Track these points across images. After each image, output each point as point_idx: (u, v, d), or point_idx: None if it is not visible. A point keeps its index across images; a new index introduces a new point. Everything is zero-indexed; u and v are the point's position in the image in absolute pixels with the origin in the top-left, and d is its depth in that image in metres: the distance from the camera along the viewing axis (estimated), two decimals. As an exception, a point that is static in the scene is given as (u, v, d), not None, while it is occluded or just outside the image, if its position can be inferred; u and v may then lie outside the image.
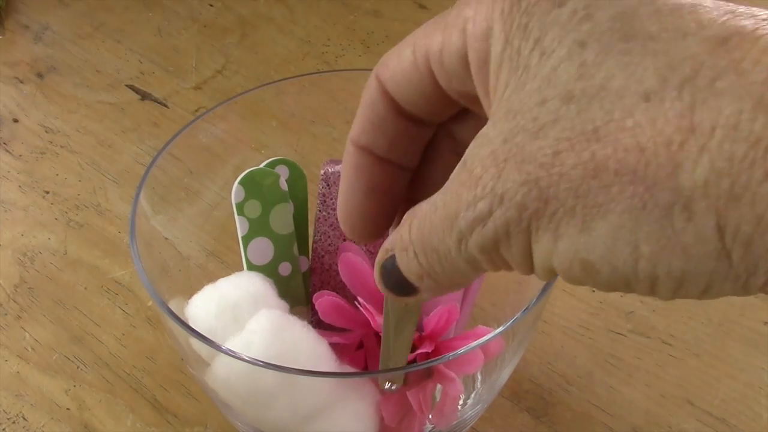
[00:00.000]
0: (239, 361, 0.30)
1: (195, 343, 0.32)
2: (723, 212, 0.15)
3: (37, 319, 0.49)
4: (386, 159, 0.23)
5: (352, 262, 0.36)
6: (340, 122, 0.47)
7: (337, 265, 0.39)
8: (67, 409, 0.44)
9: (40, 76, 0.68)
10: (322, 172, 0.39)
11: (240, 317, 0.33)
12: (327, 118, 0.47)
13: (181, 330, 0.31)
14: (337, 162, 0.39)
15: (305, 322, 0.35)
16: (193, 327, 0.32)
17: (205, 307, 0.34)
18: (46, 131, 0.62)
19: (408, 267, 0.21)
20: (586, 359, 0.46)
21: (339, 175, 0.37)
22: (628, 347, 0.46)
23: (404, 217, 0.22)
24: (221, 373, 0.32)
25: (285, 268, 0.39)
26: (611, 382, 0.45)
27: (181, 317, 0.32)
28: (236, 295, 0.34)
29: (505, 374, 0.38)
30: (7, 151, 0.61)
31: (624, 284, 0.18)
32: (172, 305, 0.33)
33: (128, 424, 0.44)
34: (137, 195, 0.36)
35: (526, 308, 0.32)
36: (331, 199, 0.38)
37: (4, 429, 0.43)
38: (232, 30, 0.72)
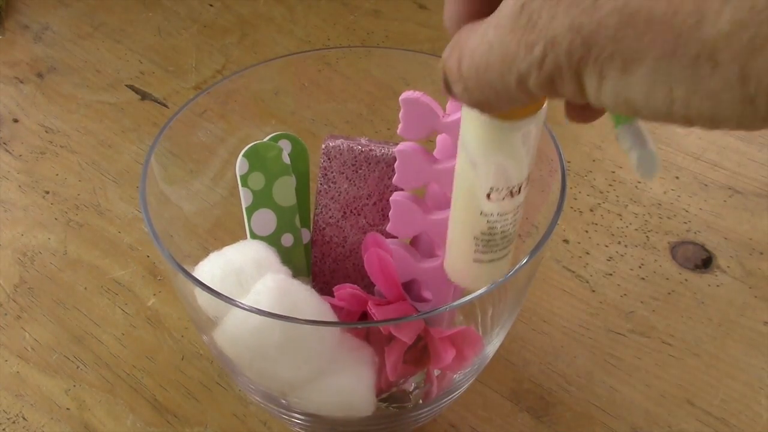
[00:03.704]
0: (247, 318, 0.31)
1: (203, 302, 0.33)
2: (746, 62, 0.16)
3: (37, 319, 0.49)
4: None
5: (378, 256, 0.36)
6: (340, 122, 0.47)
7: (337, 237, 0.40)
8: (67, 409, 0.44)
9: (40, 76, 0.68)
10: (323, 146, 0.39)
11: (244, 281, 0.34)
12: (327, 118, 0.47)
13: (191, 287, 0.32)
14: (337, 137, 0.40)
15: (308, 286, 0.36)
16: (199, 291, 0.33)
17: (210, 272, 0.35)
18: (46, 131, 0.62)
19: (462, 96, 0.23)
20: (586, 359, 0.46)
21: (339, 150, 0.39)
22: (628, 347, 0.46)
23: (452, 42, 0.23)
24: (230, 330, 0.32)
25: (287, 239, 0.41)
26: (611, 382, 0.45)
27: (186, 266, 0.33)
28: (241, 260, 0.35)
29: (497, 341, 0.38)
30: (7, 151, 0.61)
31: (664, 119, 0.19)
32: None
33: (128, 424, 0.44)
34: (147, 160, 0.37)
35: (514, 269, 0.33)
36: (332, 172, 0.39)
37: (4, 429, 0.43)
38: (232, 30, 0.72)
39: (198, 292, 0.33)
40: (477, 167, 0.30)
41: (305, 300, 0.35)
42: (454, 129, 0.34)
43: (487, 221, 0.32)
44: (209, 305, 0.33)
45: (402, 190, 0.38)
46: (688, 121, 0.18)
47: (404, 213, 0.38)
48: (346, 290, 0.37)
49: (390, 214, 0.38)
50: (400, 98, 0.34)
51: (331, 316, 0.35)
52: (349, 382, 0.34)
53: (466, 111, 0.29)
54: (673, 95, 0.18)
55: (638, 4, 0.17)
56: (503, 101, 0.22)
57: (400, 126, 0.35)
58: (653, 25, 0.17)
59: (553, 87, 0.20)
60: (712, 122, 0.18)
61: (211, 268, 0.35)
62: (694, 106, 0.18)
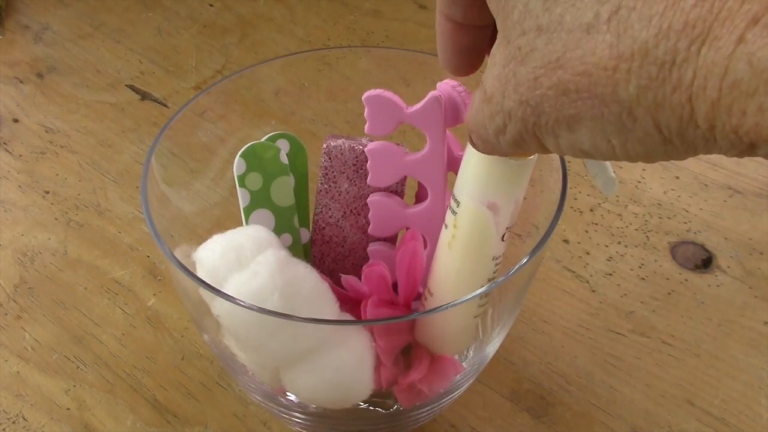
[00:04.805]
0: (245, 284, 0.32)
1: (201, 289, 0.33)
2: (655, 115, 0.20)
3: (37, 319, 0.49)
4: (464, 24, 0.28)
5: (414, 252, 0.37)
6: (340, 121, 0.47)
7: (337, 237, 0.40)
8: (67, 409, 0.44)
9: (40, 76, 0.68)
10: (324, 146, 0.39)
11: (243, 258, 0.34)
12: (327, 118, 0.47)
13: (192, 286, 0.33)
14: (338, 137, 0.40)
15: (308, 264, 0.36)
16: (200, 266, 0.34)
17: (210, 248, 0.35)
18: (46, 131, 0.62)
19: (477, 145, 0.28)
20: (586, 359, 0.46)
21: (340, 149, 0.39)
22: (628, 347, 0.46)
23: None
24: (227, 304, 0.32)
25: (286, 240, 0.40)
26: (611, 382, 0.45)
27: (187, 265, 0.33)
28: (241, 239, 0.35)
29: (497, 341, 0.39)
30: (7, 151, 0.61)
31: (613, 159, 0.23)
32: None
33: (128, 424, 0.44)
34: (148, 160, 0.37)
35: (514, 269, 0.33)
36: (333, 172, 0.39)
37: (4, 429, 0.43)
38: (232, 30, 0.72)
39: (199, 269, 0.34)
40: (498, 210, 0.32)
41: (305, 275, 0.35)
42: (418, 119, 0.35)
43: (495, 264, 0.34)
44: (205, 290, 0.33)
45: (379, 190, 0.39)
46: (630, 159, 0.23)
47: (384, 212, 0.38)
48: (375, 271, 0.36)
49: (369, 215, 0.38)
50: (363, 97, 0.35)
51: (329, 295, 0.35)
52: (348, 357, 0.34)
53: (482, 160, 0.31)
54: (612, 143, 0.22)
55: (567, 80, 0.22)
56: (503, 151, 0.27)
57: (366, 125, 0.36)
58: (581, 94, 0.21)
59: (520, 146, 0.25)
60: (647, 158, 0.22)
61: (212, 246, 0.35)
62: (630, 149, 0.22)
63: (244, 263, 0.34)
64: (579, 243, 0.52)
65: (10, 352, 0.47)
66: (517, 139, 0.25)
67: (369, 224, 0.39)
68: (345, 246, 0.40)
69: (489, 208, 0.32)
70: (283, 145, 0.40)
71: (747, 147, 0.19)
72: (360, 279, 0.37)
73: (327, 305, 0.35)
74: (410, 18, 0.73)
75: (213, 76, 0.67)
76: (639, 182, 0.56)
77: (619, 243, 0.52)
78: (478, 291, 0.32)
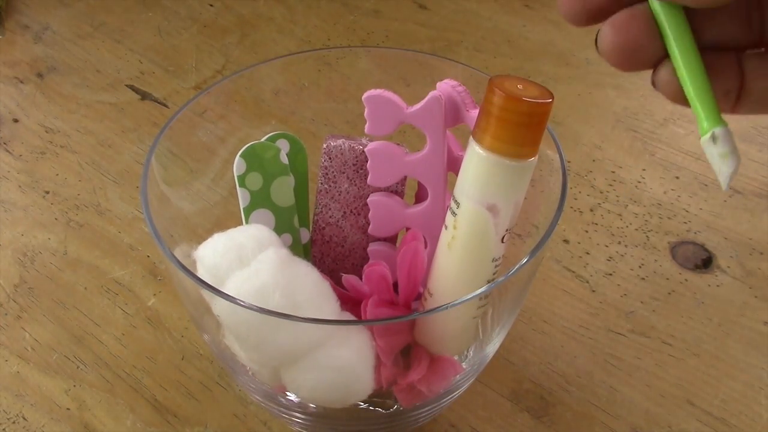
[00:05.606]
0: (248, 284, 0.32)
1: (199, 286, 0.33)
2: None
3: (37, 319, 0.49)
4: None
5: (415, 252, 0.37)
6: (340, 122, 0.47)
7: (337, 236, 0.40)
8: (67, 409, 0.44)
9: (40, 76, 0.68)
10: (324, 146, 0.39)
11: (244, 256, 0.34)
12: (327, 118, 0.47)
13: (192, 286, 0.33)
14: (338, 137, 0.40)
15: (309, 263, 0.36)
16: (200, 264, 0.34)
17: (212, 247, 0.35)
18: (46, 131, 0.62)
19: None
20: (586, 359, 0.46)
21: (340, 149, 0.39)
22: (628, 347, 0.46)
23: None
24: (227, 303, 0.32)
25: (286, 240, 0.40)
26: (611, 382, 0.45)
27: (187, 265, 0.33)
28: (242, 237, 0.35)
29: (497, 341, 0.39)
30: (7, 151, 0.61)
31: None
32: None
33: (128, 424, 0.44)
34: (148, 160, 0.37)
35: (514, 269, 0.32)
36: (333, 172, 0.39)
37: (4, 429, 0.43)
38: (232, 30, 0.72)
39: (200, 266, 0.34)
40: (498, 212, 0.32)
41: (306, 273, 0.35)
42: (418, 119, 0.35)
43: (495, 266, 0.34)
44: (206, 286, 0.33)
45: (379, 190, 0.39)
46: None
47: (384, 212, 0.39)
48: (376, 271, 0.36)
49: (369, 215, 0.39)
50: (363, 97, 0.35)
51: (330, 294, 0.35)
52: (348, 356, 0.34)
53: (482, 162, 0.31)
54: None
55: None
56: None
57: (366, 125, 0.36)
58: None
59: None
60: None
61: (213, 245, 0.35)
62: None
63: (245, 261, 0.34)
64: (579, 243, 0.52)
65: (10, 352, 0.47)
66: None
67: (369, 224, 0.39)
68: (345, 246, 0.40)
69: (488, 210, 0.32)
70: (283, 145, 0.40)
71: None
72: (360, 279, 0.37)
73: (328, 304, 0.35)
74: (410, 18, 0.73)
75: (213, 76, 0.67)
76: (639, 182, 0.56)
77: (619, 243, 0.52)
78: (478, 291, 0.32)
